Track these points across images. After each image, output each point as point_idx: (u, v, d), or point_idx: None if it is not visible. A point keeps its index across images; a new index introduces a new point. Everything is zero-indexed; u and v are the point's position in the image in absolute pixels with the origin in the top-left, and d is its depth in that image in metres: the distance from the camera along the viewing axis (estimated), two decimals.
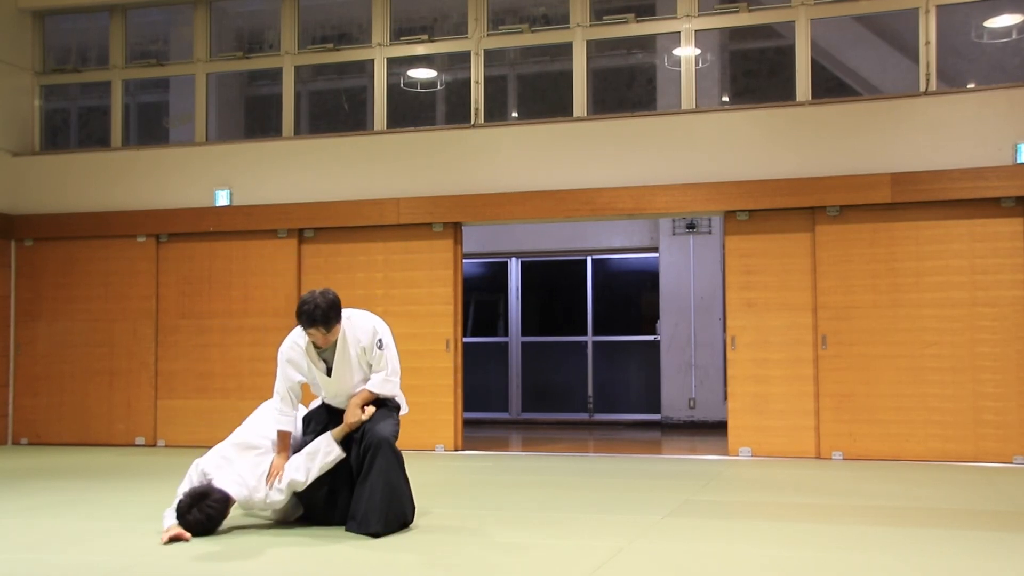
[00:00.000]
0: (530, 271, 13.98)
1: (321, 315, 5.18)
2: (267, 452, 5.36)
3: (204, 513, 4.98)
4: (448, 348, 9.70)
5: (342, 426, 5.32)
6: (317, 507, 5.38)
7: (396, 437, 5.35)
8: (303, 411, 5.71)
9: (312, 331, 5.25)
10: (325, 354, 5.40)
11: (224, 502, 5.09)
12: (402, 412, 5.59)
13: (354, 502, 5.23)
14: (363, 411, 5.31)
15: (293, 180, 10.24)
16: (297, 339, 5.43)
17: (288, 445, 5.43)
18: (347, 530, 5.18)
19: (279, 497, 5.23)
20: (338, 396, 5.45)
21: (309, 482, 5.23)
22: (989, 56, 10.11)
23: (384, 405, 5.43)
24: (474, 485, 7.30)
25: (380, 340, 5.41)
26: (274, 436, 5.40)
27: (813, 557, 4.57)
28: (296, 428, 5.54)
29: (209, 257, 10.42)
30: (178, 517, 4.99)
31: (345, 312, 5.39)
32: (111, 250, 10.69)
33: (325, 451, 5.26)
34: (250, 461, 5.29)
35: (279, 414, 5.41)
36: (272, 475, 5.28)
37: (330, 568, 4.43)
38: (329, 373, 5.39)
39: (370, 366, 5.42)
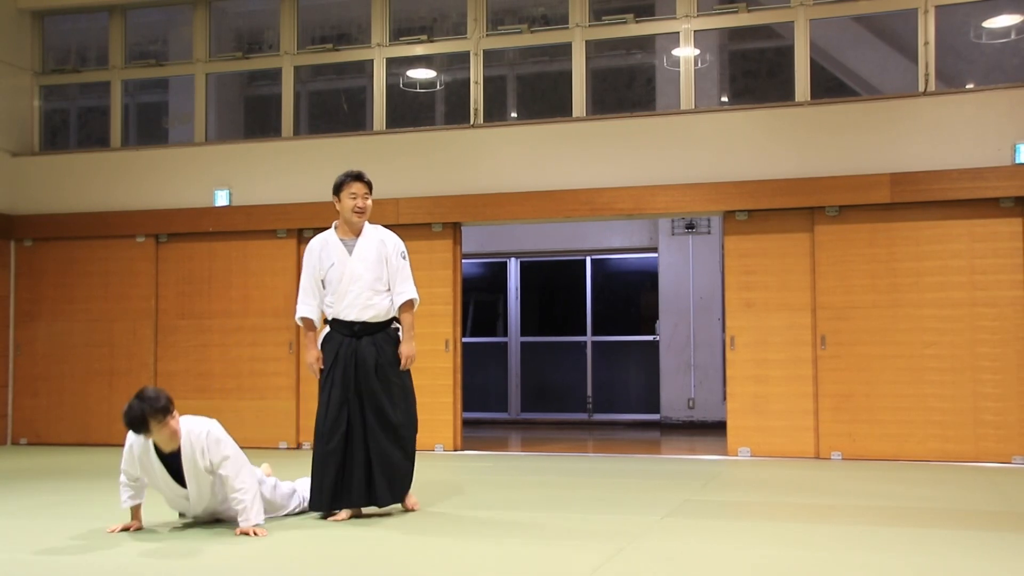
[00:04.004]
0: (529, 271, 13.99)
1: (358, 172, 5.81)
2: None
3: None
4: (447, 348, 9.71)
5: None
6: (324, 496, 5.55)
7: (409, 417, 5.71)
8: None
9: (356, 186, 5.76)
10: (348, 245, 5.73)
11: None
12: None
13: (359, 484, 5.53)
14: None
15: (293, 180, 10.24)
16: (328, 235, 5.78)
17: (314, 332, 5.72)
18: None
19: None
20: (358, 283, 5.62)
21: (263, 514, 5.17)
22: (988, 56, 10.11)
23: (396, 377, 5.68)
24: (473, 485, 7.30)
25: (404, 252, 5.76)
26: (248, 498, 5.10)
27: (812, 557, 4.58)
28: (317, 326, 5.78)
29: (208, 257, 10.43)
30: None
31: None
32: (110, 250, 10.70)
33: (296, 503, 5.62)
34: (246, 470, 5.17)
35: (301, 304, 5.68)
36: (314, 364, 5.63)
37: (328, 567, 4.43)
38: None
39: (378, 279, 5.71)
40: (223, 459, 5.03)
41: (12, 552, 4.75)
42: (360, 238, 5.72)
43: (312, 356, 5.70)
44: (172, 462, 5.05)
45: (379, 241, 5.73)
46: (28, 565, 4.48)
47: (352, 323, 5.64)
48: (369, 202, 5.77)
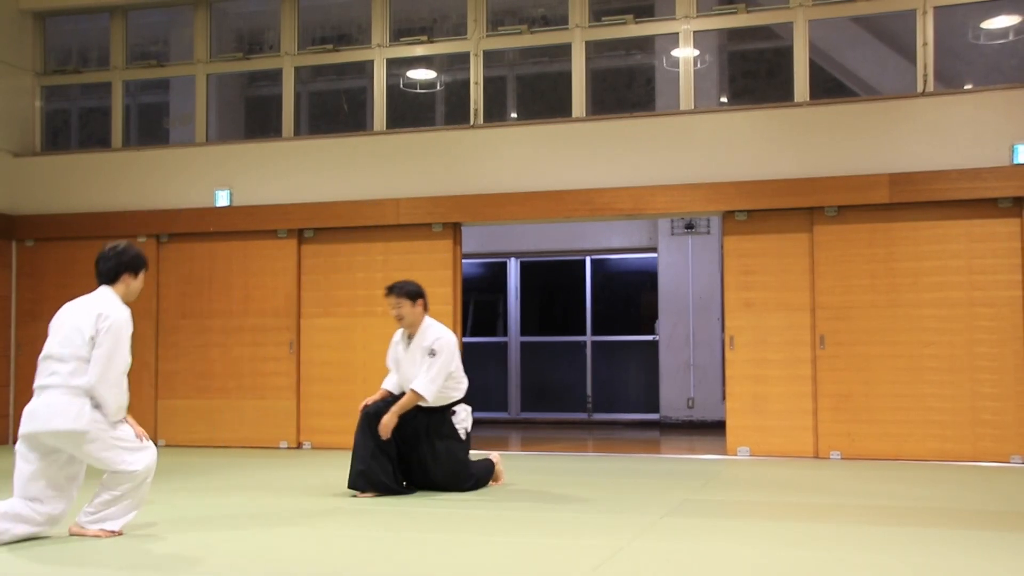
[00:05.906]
0: (529, 271, 14.01)
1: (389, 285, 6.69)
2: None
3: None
4: None
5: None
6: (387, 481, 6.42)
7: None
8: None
9: (387, 299, 6.77)
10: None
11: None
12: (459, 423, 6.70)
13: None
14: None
15: (293, 180, 10.27)
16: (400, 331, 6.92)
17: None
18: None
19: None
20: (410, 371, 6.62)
21: None
22: (986, 57, 10.14)
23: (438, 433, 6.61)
24: None
25: (434, 350, 6.51)
26: None
27: (812, 557, 4.60)
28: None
29: (210, 257, 10.45)
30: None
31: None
32: None
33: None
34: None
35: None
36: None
37: (328, 566, 4.46)
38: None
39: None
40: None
41: (11, 551, 4.77)
42: (415, 336, 6.62)
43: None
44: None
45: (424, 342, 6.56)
46: (27, 564, 4.50)
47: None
48: (402, 310, 6.53)
